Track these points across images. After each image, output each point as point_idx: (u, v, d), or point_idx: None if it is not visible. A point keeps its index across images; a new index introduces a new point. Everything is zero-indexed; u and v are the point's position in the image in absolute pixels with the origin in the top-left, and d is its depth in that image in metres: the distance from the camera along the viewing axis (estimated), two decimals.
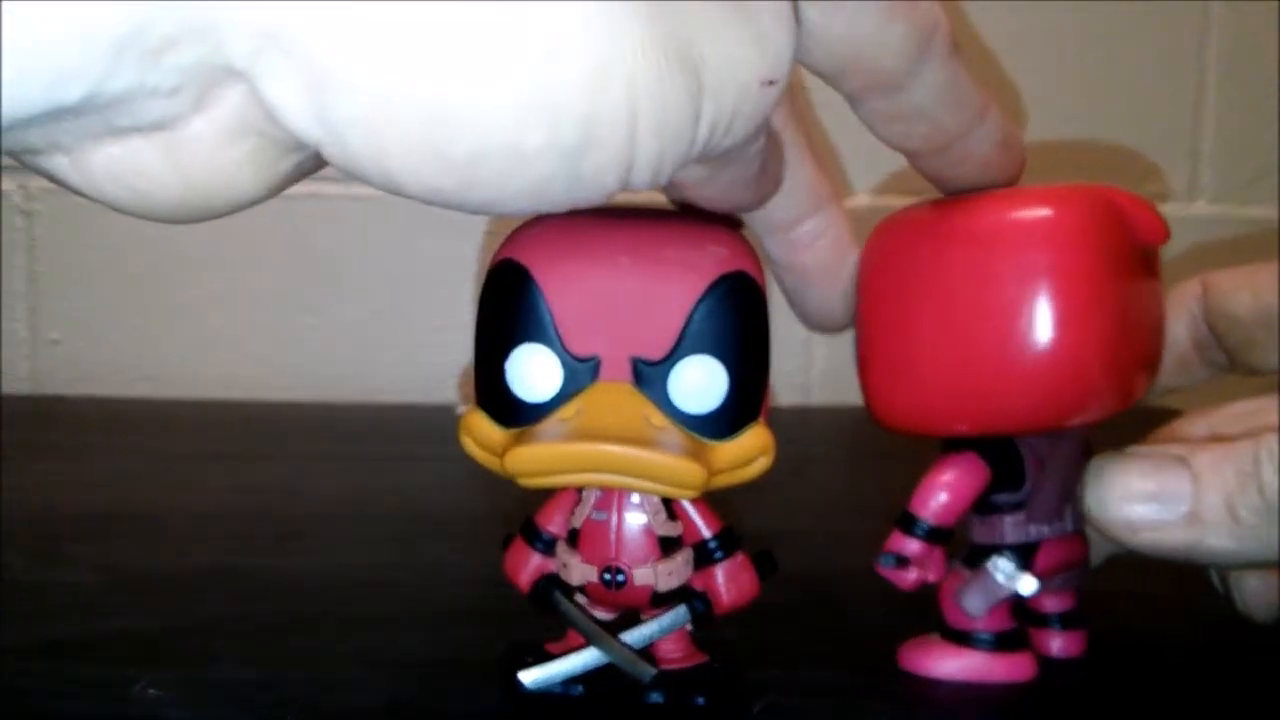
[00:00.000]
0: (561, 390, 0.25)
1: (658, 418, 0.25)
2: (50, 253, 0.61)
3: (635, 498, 0.26)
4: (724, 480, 0.25)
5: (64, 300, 0.62)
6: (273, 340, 0.63)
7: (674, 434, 0.25)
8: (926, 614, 0.30)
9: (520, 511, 0.28)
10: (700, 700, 0.27)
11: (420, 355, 0.63)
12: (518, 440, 0.25)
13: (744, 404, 0.25)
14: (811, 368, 0.65)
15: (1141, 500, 0.26)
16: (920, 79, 0.25)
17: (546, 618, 0.27)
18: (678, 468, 0.24)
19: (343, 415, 0.57)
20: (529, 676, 0.26)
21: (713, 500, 0.27)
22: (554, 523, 0.28)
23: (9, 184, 0.61)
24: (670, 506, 0.27)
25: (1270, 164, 0.66)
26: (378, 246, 0.63)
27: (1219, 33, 0.65)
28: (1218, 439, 0.27)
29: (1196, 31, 0.65)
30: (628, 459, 0.24)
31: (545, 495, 0.28)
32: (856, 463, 0.50)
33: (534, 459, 0.24)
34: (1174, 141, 0.66)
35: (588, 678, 0.27)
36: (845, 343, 0.71)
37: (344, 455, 0.49)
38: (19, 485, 0.44)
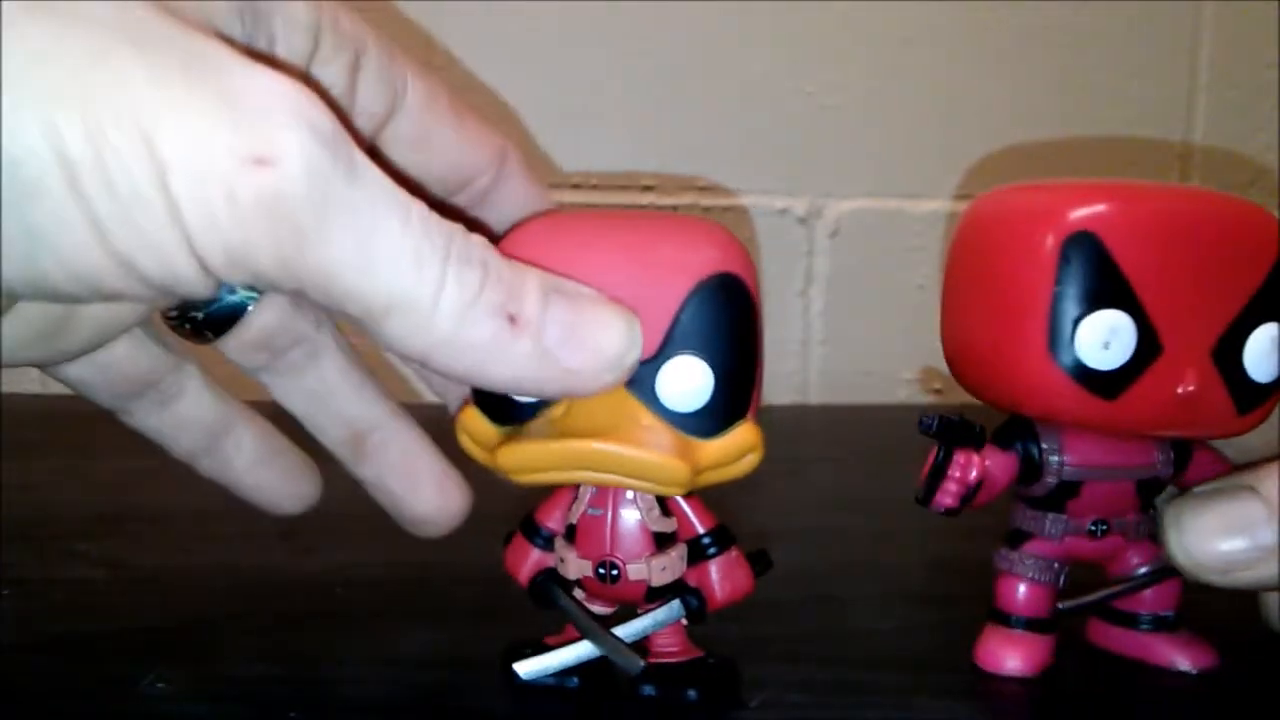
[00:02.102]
0: None
1: (646, 416, 0.25)
2: None
3: (629, 494, 0.27)
4: (712, 477, 0.26)
5: None
6: None
7: (662, 432, 0.25)
8: (925, 611, 0.30)
9: (519, 509, 0.29)
10: (692, 694, 0.27)
11: None
12: (509, 438, 0.25)
13: (731, 402, 0.25)
14: (809, 368, 0.66)
15: (1224, 540, 0.26)
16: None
17: (545, 612, 0.28)
18: (663, 465, 0.24)
19: None
20: (524, 668, 0.27)
21: (710, 498, 0.27)
22: (553, 519, 0.28)
23: None
24: (664, 503, 0.27)
25: (1261, 167, 0.66)
26: None
27: (1211, 35, 0.65)
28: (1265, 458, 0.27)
29: (1188, 34, 0.65)
30: (613, 456, 0.24)
31: (545, 492, 0.28)
32: (853, 461, 0.51)
33: (523, 456, 0.25)
34: (1165, 144, 0.66)
35: (583, 670, 0.27)
36: (844, 344, 0.71)
37: None
38: (28, 483, 0.44)
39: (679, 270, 0.25)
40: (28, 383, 0.62)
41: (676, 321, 0.25)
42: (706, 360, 0.25)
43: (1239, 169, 0.66)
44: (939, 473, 0.28)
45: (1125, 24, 0.65)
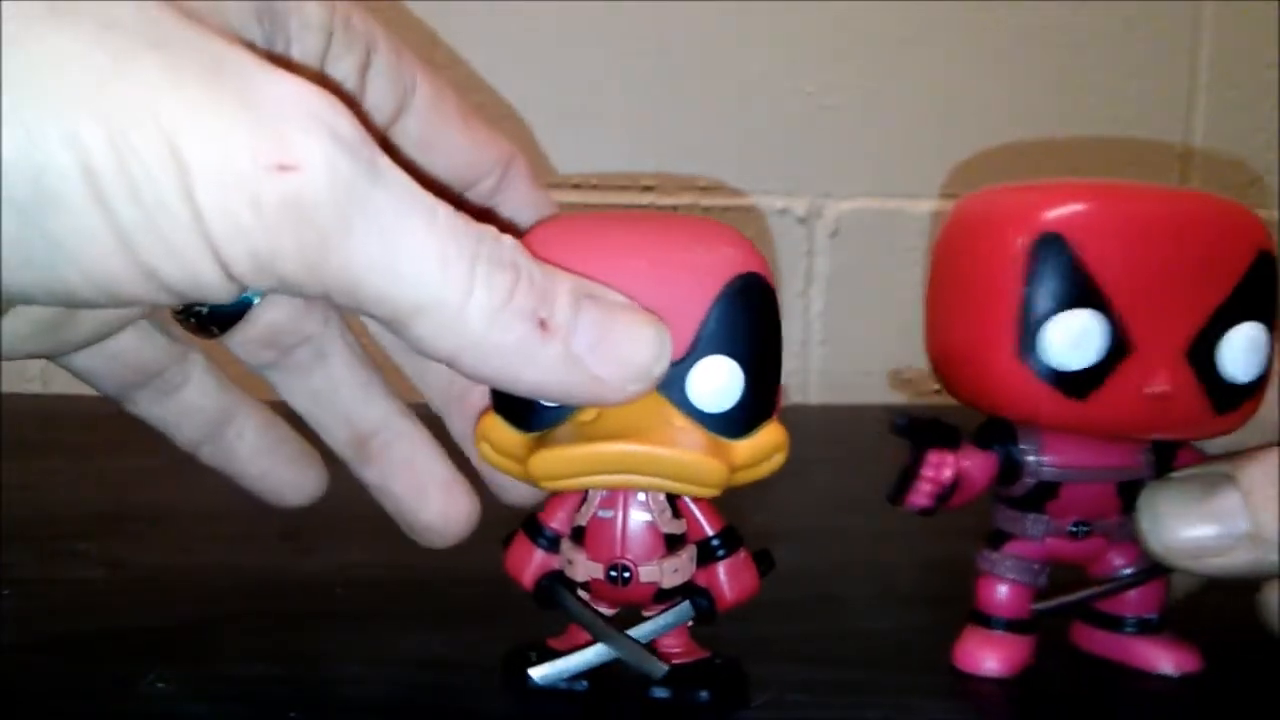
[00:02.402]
0: None
1: (678, 418, 0.25)
2: None
3: (641, 495, 0.27)
4: (742, 477, 0.26)
5: None
6: None
7: (695, 433, 0.25)
8: (925, 611, 0.30)
9: (521, 510, 0.28)
10: (704, 695, 0.27)
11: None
12: (539, 444, 0.25)
13: (759, 402, 0.25)
14: (810, 368, 0.66)
15: (1197, 525, 0.26)
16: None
17: (548, 615, 0.28)
18: (702, 465, 0.24)
19: None
20: (538, 672, 0.27)
21: (714, 499, 0.27)
22: (557, 519, 0.28)
23: None
24: (674, 504, 0.27)
25: (1261, 167, 0.66)
26: None
27: (1211, 35, 0.65)
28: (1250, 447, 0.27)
29: (1188, 33, 0.65)
30: (653, 458, 0.24)
31: (551, 491, 0.27)
32: (854, 462, 0.50)
33: (560, 462, 0.24)
34: (1165, 144, 0.66)
35: (592, 673, 0.27)
36: (844, 344, 0.71)
37: None
38: (29, 483, 0.44)
39: (706, 271, 0.25)
40: (28, 383, 0.62)
41: (706, 322, 0.25)
42: (736, 360, 0.25)
43: (1239, 169, 0.66)
44: (912, 472, 0.28)
45: (1125, 24, 0.65)
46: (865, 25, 0.63)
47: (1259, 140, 0.66)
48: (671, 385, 0.25)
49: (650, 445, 0.24)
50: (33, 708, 0.27)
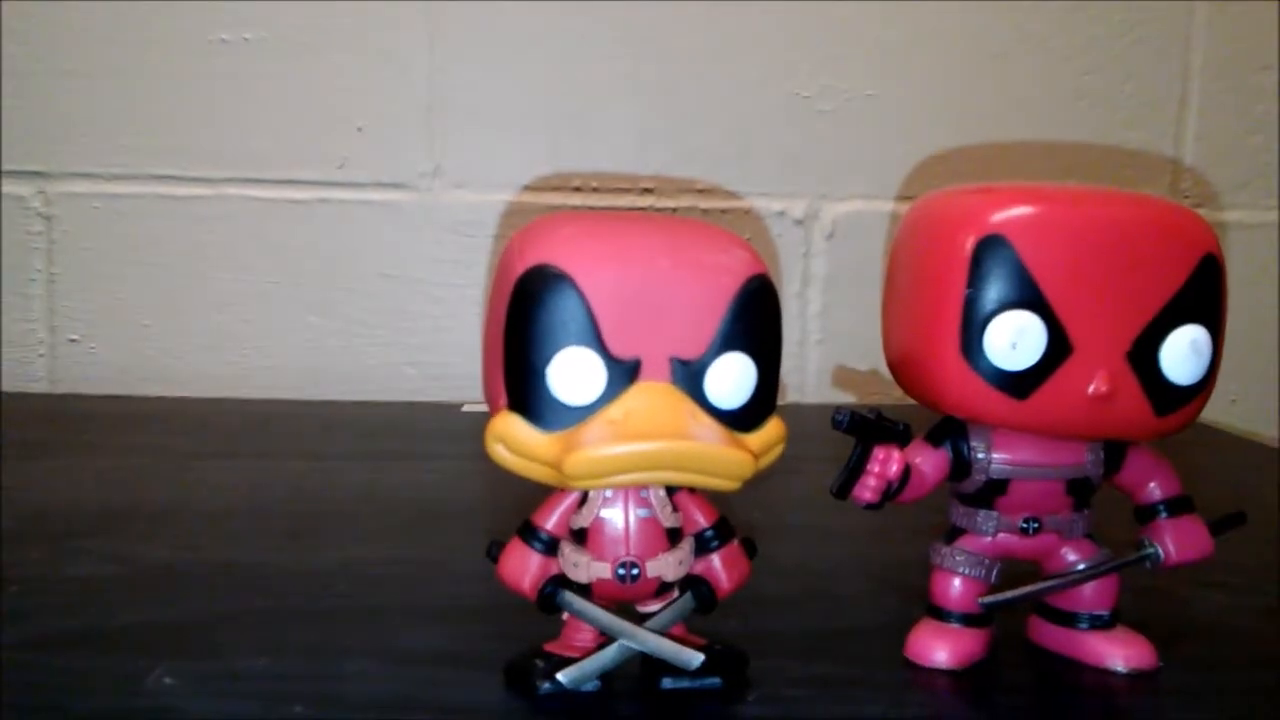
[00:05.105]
0: (605, 393, 0.25)
1: (700, 414, 0.25)
2: (68, 255, 0.62)
3: (644, 492, 0.27)
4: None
5: (81, 301, 0.63)
6: (281, 340, 0.64)
7: (717, 428, 0.25)
8: (920, 608, 0.30)
9: (520, 507, 0.29)
10: (716, 681, 0.27)
11: (423, 355, 0.64)
12: (568, 444, 0.25)
13: (769, 397, 0.26)
14: (806, 368, 0.66)
15: None
16: None
17: (550, 614, 0.28)
18: (734, 458, 0.25)
19: (349, 413, 0.58)
20: (566, 676, 0.26)
21: (711, 495, 0.28)
22: (552, 522, 0.28)
23: (28, 189, 0.62)
24: (671, 499, 0.27)
25: (1254, 169, 0.66)
26: (383, 248, 0.64)
27: (1203, 38, 0.65)
28: None
29: (1181, 36, 0.65)
30: (691, 453, 0.25)
31: (545, 492, 0.28)
32: None
33: (597, 462, 0.25)
34: (1156, 147, 0.66)
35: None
36: (841, 344, 0.71)
37: (349, 453, 0.49)
38: (36, 481, 0.44)
39: (724, 272, 0.26)
40: (34, 382, 0.62)
41: (725, 321, 0.25)
42: (752, 357, 0.26)
43: (1232, 170, 0.66)
44: (858, 468, 0.28)
45: (1120, 26, 0.65)
46: (861, 30, 0.64)
47: (1255, 141, 0.66)
48: (692, 382, 0.25)
49: (688, 441, 0.25)
50: (41, 702, 0.27)
